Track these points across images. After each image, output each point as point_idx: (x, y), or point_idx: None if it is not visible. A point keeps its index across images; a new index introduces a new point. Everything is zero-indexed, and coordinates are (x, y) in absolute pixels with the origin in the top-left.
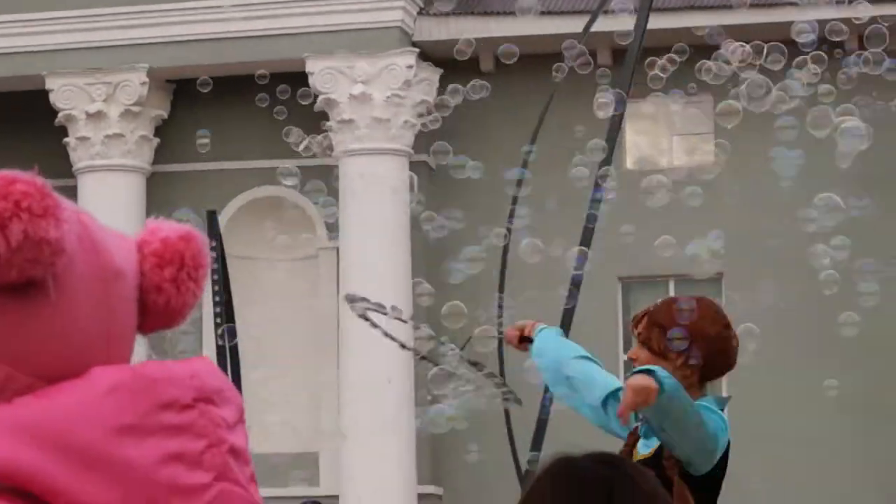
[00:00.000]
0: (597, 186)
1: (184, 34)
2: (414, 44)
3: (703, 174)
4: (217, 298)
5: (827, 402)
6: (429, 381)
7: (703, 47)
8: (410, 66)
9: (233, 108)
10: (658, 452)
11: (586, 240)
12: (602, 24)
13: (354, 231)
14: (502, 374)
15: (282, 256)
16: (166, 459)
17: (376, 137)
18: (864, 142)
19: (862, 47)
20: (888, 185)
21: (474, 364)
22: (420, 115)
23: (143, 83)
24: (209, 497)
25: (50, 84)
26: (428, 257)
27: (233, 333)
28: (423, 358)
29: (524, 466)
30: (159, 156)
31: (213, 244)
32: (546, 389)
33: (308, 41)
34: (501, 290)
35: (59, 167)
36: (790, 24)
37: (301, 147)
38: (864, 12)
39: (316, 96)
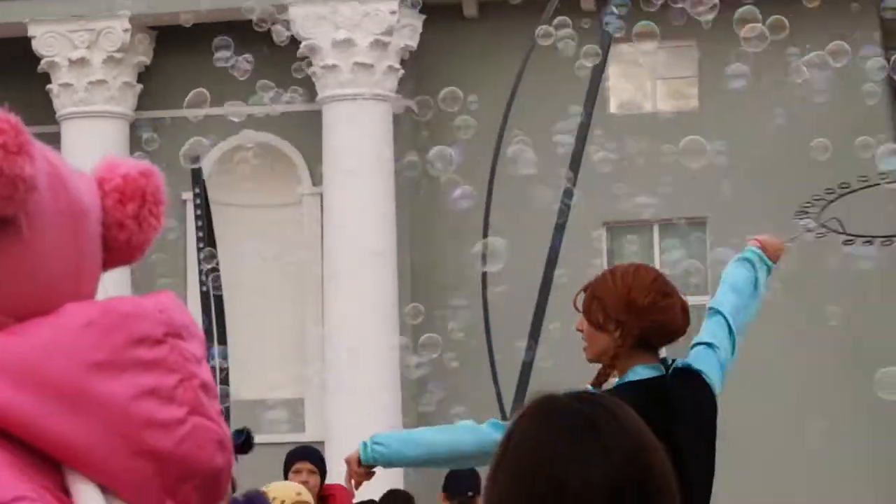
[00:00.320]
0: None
1: None
2: None
3: (687, 119)
4: (201, 245)
5: (820, 337)
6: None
7: None
8: (394, 12)
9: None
10: None
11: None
12: None
13: (338, 177)
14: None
15: (265, 202)
16: (140, 395)
17: (360, 83)
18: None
19: None
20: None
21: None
22: (403, 61)
23: (126, 30)
24: (183, 432)
25: (32, 31)
26: (413, 202)
27: (217, 280)
28: None
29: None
30: (142, 102)
31: (197, 191)
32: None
33: None
34: (485, 224)
35: (43, 114)
36: None
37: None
38: None
39: (299, 42)
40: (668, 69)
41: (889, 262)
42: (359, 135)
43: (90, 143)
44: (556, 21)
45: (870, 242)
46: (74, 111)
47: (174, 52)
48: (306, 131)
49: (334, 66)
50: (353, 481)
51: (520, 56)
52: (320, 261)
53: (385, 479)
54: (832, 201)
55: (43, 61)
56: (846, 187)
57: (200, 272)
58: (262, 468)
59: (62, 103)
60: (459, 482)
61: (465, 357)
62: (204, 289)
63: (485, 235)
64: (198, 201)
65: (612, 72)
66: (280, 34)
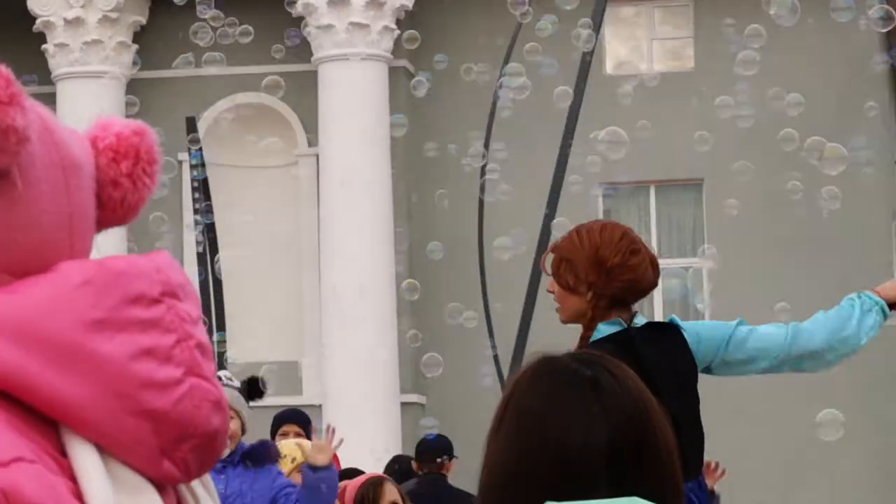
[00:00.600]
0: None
1: None
2: None
3: (683, 79)
4: (197, 206)
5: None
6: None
7: None
8: None
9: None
10: None
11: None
12: None
13: (334, 137)
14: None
15: (261, 163)
16: (138, 354)
17: (355, 42)
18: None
19: None
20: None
21: None
22: (398, 20)
23: None
24: (180, 392)
25: None
26: (409, 163)
27: (213, 242)
28: None
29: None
30: (137, 62)
31: (194, 151)
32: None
33: None
34: (482, 186)
35: (38, 74)
36: None
37: None
38: None
39: (295, 1)
40: (664, 29)
41: None
42: (354, 95)
43: (85, 103)
44: None
45: None
46: (70, 71)
47: (169, 12)
48: (302, 92)
49: (329, 26)
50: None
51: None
52: (316, 222)
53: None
54: None
55: (38, 21)
56: None
57: (196, 233)
58: (259, 431)
59: (57, 63)
60: (431, 449)
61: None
62: (200, 250)
63: (481, 198)
64: (193, 162)
65: (608, 32)
66: None
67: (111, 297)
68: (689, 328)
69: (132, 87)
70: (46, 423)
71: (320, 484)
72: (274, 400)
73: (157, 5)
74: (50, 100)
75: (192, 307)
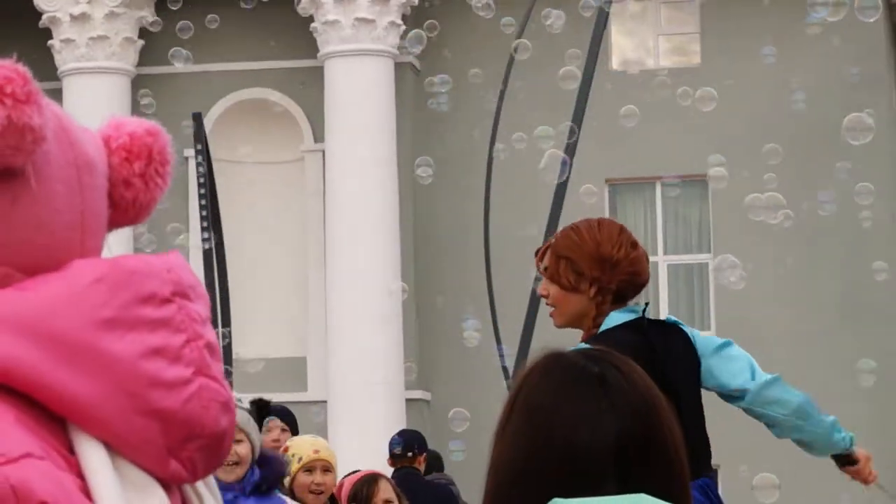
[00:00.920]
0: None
1: None
2: None
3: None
4: (203, 202)
5: (819, 298)
6: None
7: None
8: None
9: (217, 10)
10: None
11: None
12: None
13: (340, 133)
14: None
15: (267, 159)
16: (148, 353)
17: (361, 38)
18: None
19: None
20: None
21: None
22: (404, 16)
23: None
24: (189, 392)
25: None
26: (415, 158)
27: (219, 237)
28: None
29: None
30: (144, 58)
31: (199, 147)
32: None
33: None
34: (487, 182)
35: (44, 70)
36: None
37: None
38: None
39: None
40: (670, 25)
41: None
42: (360, 91)
43: (91, 99)
44: None
45: None
46: (76, 67)
47: (175, 6)
48: (308, 87)
49: (336, 22)
50: None
51: (522, 11)
52: (322, 218)
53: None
54: None
55: (44, 16)
56: None
57: (203, 229)
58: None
59: (63, 59)
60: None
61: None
62: (206, 246)
63: (487, 192)
64: (199, 158)
65: (615, 28)
66: None
67: (122, 296)
68: (686, 329)
69: (138, 82)
70: (55, 421)
71: None
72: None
73: (162, 1)
74: (56, 96)
75: (202, 307)
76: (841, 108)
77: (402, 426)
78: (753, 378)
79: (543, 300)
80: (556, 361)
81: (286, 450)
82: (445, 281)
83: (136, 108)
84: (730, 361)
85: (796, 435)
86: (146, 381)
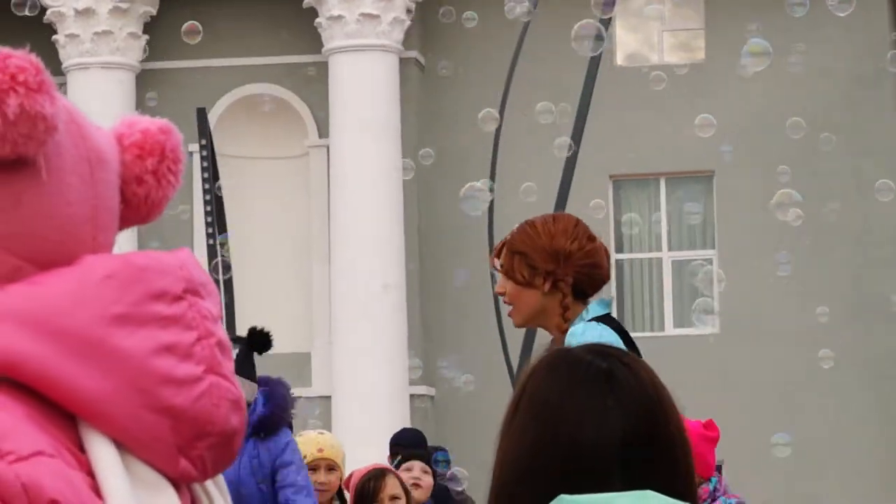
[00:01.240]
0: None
1: None
2: None
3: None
4: (207, 197)
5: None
6: None
7: None
8: None
9: (221, 5)
10: None
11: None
12: None
13: (345, 129)
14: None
15: (272, 155)
16: (159, 350)
17: (365, 34)
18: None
19: None
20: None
21: None
22: (409, 11)
23: None
24: (200, 390)
25: None
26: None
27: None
28: None
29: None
30: (148, 53)
31: (204, 142)
32: None
33: None
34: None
35: (48, 65)
36: None
37: None
38: None
39: None
40: (675, 21)
41: None
42: (365, 86)
43: (96, 94)
44: None
45: None
46: (80, 62)
47: (179, 3)
48: (313, 83)
49: (340, 17)
50: None
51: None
52: (327, 213)
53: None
54: None
55: (49, 11)
56: None
57: (207, 224)
58: None
59: (68, 54)
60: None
61: (470, 318)
62: (211, 241)
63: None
64: (204, 153)
65: (619, 24)
66: None
67: (134, 293)
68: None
69: (142, 78)
70: (65, 418)
71: None
72: None
73: None
74: (60, 91)
75: (213, 305)
76: (846, 104)
77: (406, 421)
78: None
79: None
80: (562, 357)
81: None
82: (449, 276)
83: (140, 104)
84: None
85: None
86: (157, 378)
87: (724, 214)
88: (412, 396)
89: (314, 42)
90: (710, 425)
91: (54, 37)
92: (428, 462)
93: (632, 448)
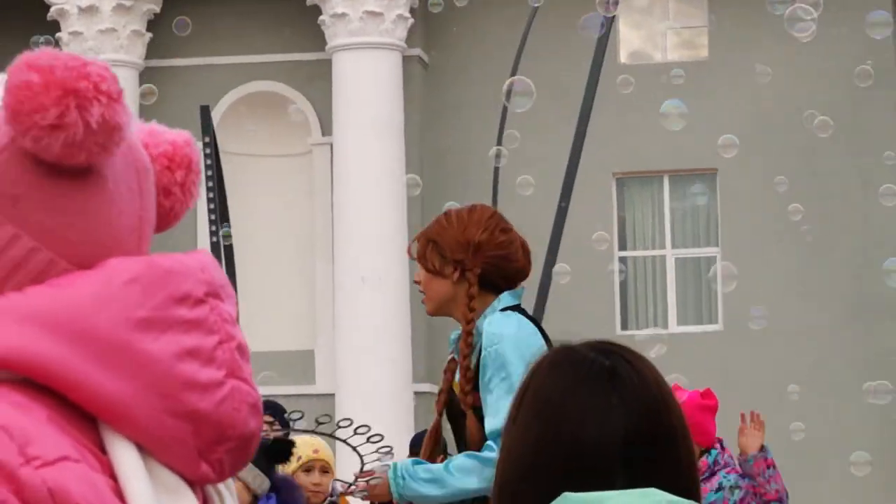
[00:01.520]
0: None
1: None
2: None
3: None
4: (211, 195)
5: (822, 296)
6: None
7: None
8: None
9: (224, 3)
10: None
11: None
12: None
13: (348, 127)
14: None
15: (275, 153)
16: (182, 355)
17: (369, 32)
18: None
19: None
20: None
21: None
22: (412, 9)
23: None
24: (222, 394)
25: None
26: (423, 152)
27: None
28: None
29: None
30: (151, 51)
31: (207, 140)
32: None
33: None
34: (495, 175)
35: None
36: None
37: None
38: None
39: None
40: (679, 19)
41: None
42: (369, 84)
43: None
44: None
45: None
46: None
47: (183, 0)
48: (316, 81)
49: (343, 15)
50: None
51: (530, 4)
52: (330, 211)
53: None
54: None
55: (52, 9)
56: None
57: (210, 222)
58: None
59: (71, 51)
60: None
61: None
62: (214, 239)
63: (494, 187)
64: (207, 150)
65: (623, 22)
66: None
67: (158, 296)
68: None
69: (146, 75)
70: (85, 419)
71: None
72: (287, 389)
73: None
74: None
75: (232, 307)
76: (851, 102)
77: (411, 419)
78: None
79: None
80: (565, 355)
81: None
82: None
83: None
84: None
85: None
86: (180, 382)
87: (728, 212)
88: (416, 394)
89: (317, 40)
90: (707, 394)
91: (58, 34)
92: None
93: (635, 446)
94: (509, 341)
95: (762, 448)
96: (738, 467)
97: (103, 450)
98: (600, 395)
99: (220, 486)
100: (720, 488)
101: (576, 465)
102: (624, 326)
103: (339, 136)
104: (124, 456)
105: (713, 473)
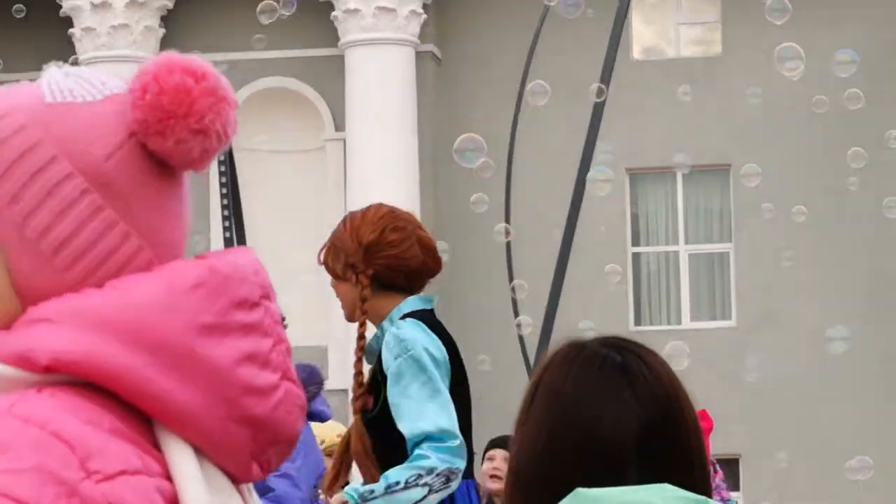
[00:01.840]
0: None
1: None
2: None
3: (711, 63)
4: (224, 191)
5: (834, 287)
6: None
7: None
8: None
9: None
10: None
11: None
12: None
13: (361, 122)
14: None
15: (288, 148)
16: (242, 360)
17: (382, 27)
18: None
19: None
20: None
21: None
22: (425, 5)
23: None
24: (277, 398)
25: None
26: (436, 147)
27: (240, 226)
28: None
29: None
30: (164, 47)
31: None
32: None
33: None
34: (508, 171)
35: (65, 59)
36: None
37: None
38: None
39: None
40: (691, 14)
41: None
42: (381, 79)
43: None
44: None
45: None
46: (96, 56)
47: None
48: (329, 76)
49: (356, 11)
50: None
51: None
52: (343, 206)
53: None
54: None
55: (65, 5)
56: None
57: (224, 218)
58: None
59: (84, 48)
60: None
61: (489, 308)
62: (227, 235)
63: (508, 181)
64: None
65: (636, 18)
66: None
67: (220, 302)
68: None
69: None
70: (140, 417)
71: None
72: None
73: None
74: None
75: (277, 308)
76: (864, 98)
77: None
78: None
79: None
80: (577, 350)
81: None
82: (466, 267)
83: None
84: None
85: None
86: (241, 387)
87: (742, 208)
88: None
89: (330, 35)
90: (702, 415)
91: (70, 30)
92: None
93: (648, 441)
94: (420, 345)
95: None
96: (725, 492)
97: (157, 446)
98: (613, 391)
99: None
100: None
101: (589, 461)
102: (637, 322)
103: (352, 131)
104: (182, 458)
105: None
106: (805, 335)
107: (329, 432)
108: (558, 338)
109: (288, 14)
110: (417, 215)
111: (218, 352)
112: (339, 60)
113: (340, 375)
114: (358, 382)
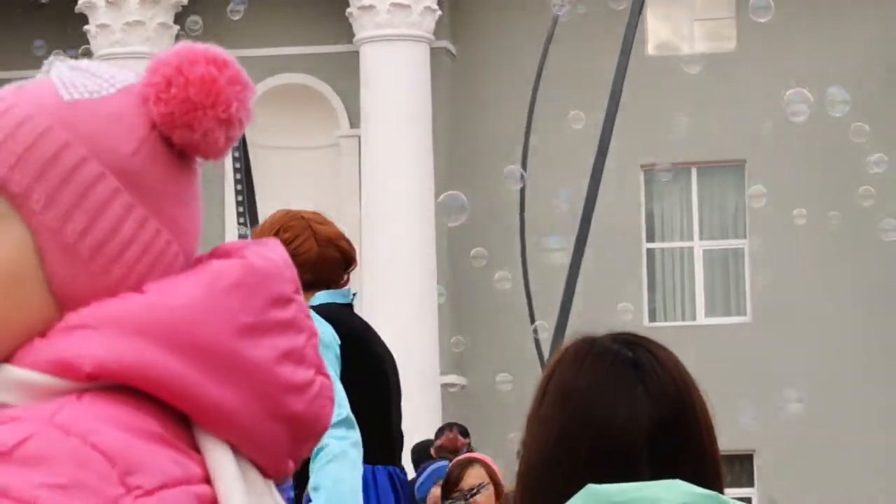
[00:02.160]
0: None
1: None
2: None
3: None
4: (239, 188)
5: (846, 288)
6: None
7: None
8: None
9: None
10: None
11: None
12: None
13: (376, 119)
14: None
15: (303, 145)
16: (280, 358)
17: (396, 23)
18: None
19: None
20: None
21: None
22: (440, 1)
23: None
24: (313, 393)
25: None
26: (450, 143)
27: (255, 222)
28: None
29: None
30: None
31: None
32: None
33: None
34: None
35: (79, 55)
36: None
37: None
38: None
39: None
40: (706, 10)
41: None
42: (396, 76)
43: None
44: None
45: None
46: (111, 52)
47: None
48: (344, 73)
49: (371, 7)
50: None
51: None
52: (358, 203)
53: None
54: None
55: (80, 1)
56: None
57: (238, 214)
58: None
59: (99, 44)
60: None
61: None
62: (242, 232)
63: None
64: (235, 143)
65: (650, 13)
66: None
67: (258, 301)
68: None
69: None
70: (179, 418)
71: None
72: None
73: None
74: None
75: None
76: (879, 95)
77: (438, 411)
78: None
79: None
80: (589, 346)
81: None
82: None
83: None
84: None
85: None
86: (281, 386)
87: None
88: (443, 385)
89: (345, 32)
90: None
91: (85, 27)
92: None
93: (659, 436)
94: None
95: None
96: None
97: (195, 447)
98: (625, 387)
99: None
100: None
101: (601, 456)
102: (652, 318)
103: (366, 127)
104: (221, 460)
105: None
106: (819, 330)
107: None
108: (570, 334)
109: None
110: (432, 212)
111: (258, 352)
112: (354, 57)
113: None
114: None
